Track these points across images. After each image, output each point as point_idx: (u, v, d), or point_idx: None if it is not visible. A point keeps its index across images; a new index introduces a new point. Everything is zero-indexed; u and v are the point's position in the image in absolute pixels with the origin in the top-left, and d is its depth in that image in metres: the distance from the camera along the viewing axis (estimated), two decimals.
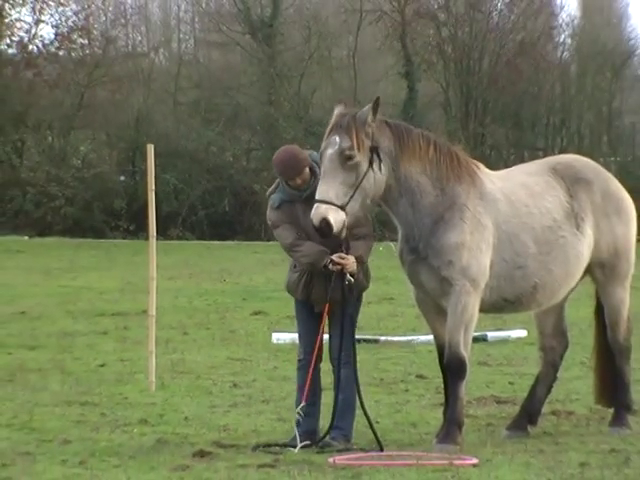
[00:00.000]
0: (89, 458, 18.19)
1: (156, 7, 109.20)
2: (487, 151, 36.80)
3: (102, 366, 28.12)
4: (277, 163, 19.74)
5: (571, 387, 20.65)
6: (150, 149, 27.26)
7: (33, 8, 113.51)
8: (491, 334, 22.04)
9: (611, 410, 20.53)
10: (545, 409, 20.18)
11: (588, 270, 20.20)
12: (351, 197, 18.04)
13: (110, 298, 40.61)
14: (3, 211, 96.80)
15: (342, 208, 17.98)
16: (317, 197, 18.18)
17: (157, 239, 26.07)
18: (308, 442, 18.73)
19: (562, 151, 32.46)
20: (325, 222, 17.89)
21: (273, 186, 19.68)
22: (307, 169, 19.13)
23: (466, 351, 18.98)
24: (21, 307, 38.82)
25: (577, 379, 20.77)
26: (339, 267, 18.66)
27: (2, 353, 30.75)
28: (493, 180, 19.70)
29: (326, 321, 19.29)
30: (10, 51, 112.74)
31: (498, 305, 19.82)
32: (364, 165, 18.22)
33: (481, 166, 19.81)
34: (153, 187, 26.32)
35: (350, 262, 18.82)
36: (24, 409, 22.84)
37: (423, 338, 20.44)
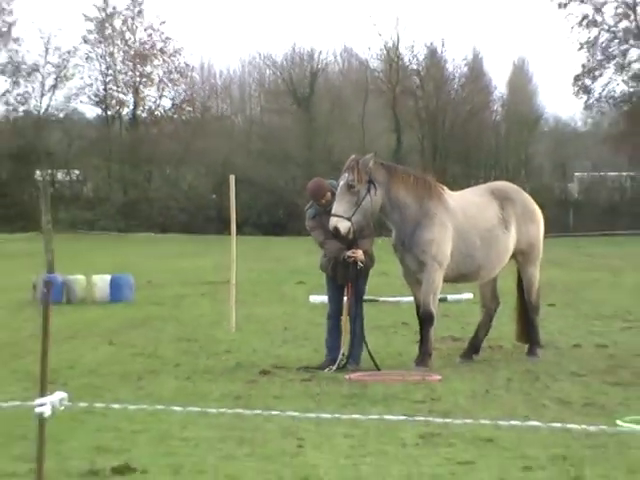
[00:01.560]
0: (192, 375, 18.88)
1: (236, 87, 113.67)
2: (448, 179, 36.48)
3: (201, 316, 28.48)
4: (309, 189, 20.70)
5: (501, 330, 20.91)
6: (232, 179, 27.93)
7: (158, 87, 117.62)
8: (450, 296, 22.34)
9: (527, 345, 21.01)
10: (484, 344, 20.55)
11: (513, 256, 20.76)
12: (354, 212, 18.95)
13: (206, 273, 40.86)
14: (137, 217, 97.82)
15: (348, 219, 19.00)
16: (332, 212, 19.37)
17: (236, 235, 26.44)
18: (333, 366, 19.40)
19: (496, 179, 32.23)
20: (335, 228, 19.03)
21: (308, 204, 20.52)
22: (329, 193, 19.88)
23: (434, 308, 19.78)
24: (148, 278, 39.31)
25: (504, 325, 21.01)
26: (352, 258, 19.46)
27: (137, 308, 30.96)
28: (453, 198, 20.42)
29: (345, 291, 19.99)
30: (143, 115, 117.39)
31: (455, 278, 20.67)
32: (363, 192, 19.10)
33: (445, 189, 20.58)
34: (234, 203, 26.89)
35: (359, 254, 19.66)
36: (151, 343, 23.23)
37: (406, 299, 20.85)
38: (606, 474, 11.84)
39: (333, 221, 19.20)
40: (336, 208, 19.22)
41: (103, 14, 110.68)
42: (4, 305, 28.90)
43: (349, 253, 19.64)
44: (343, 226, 19.06)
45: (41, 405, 4.53)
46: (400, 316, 22.03)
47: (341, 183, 19.37)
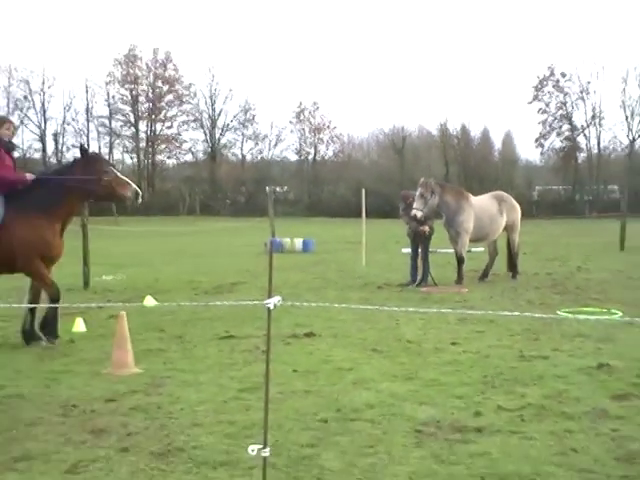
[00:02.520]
0: (344, 288, 18.75)
1: (365, 145, 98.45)
2: (471, 190, 35.41)
3: (348, 259, 27.12)
4: (401, 195, 20.36)
5: (498, 266, 20.61)
6: (363, 191, 27.69)
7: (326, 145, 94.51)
8: (473, 249, 21.94)
9: (511, 273, 20.53)
10: (490, 273, 20.22)
11: (505, 229, 20.37)
12: (424, 207, 18.75)
13: (350, 237, 37.18)
14: (318, 209, 78.28)
15: (421, 211, 18.75)
16: (413, 207, 18.91)
17: (365, 218, 26.35)
18: (413, 284, 19.12)
19: (496, 190, 31.59)
20: (414, 215, 18.80)
21: (401, 203, 20.01)
22: (411, 198, 19.24)
23: (464, 255, 19.50)
24: (322, 240, 37.57)
25: (500, 264, 20.73)
26: (422, 230, 19.14)
27: (316, 255, 29.70)
28: (474, 199, 20.01)
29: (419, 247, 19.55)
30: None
31: (474, 240, 20.10)
32: (428, 197, 18.86)
33: (470, 195, 20.20)
34: (364, 202, 26.84)
35: (426, 228, 19.14)
36: (322, 272, 22.83)
37: (450, 250, 20.53)
38: (552, 337, 11.87)
39: (413, 211, 19.02)
40: (415, 205, 19.04)
41: None
42: (250, 254, 28.93)
43: (421, 228, 19.41)
44: (418, 214, 18.97)
45: (268, 303, 4.57)
46: (449, 261, 21.66)
47: (417, 192, 19.20)
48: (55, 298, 11.67)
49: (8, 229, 11.43)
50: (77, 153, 13.06)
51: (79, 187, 11.85)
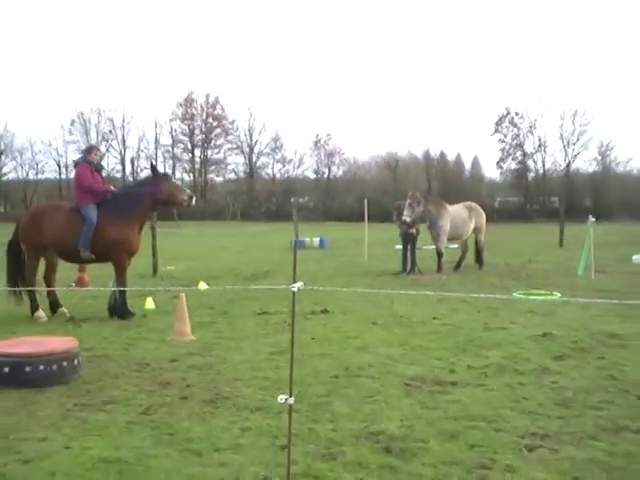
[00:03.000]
0: (351, 276, 18.57)
1: (368, 169, 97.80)
2: (448, 201, 34.70)
3: (354, 252, 26.80)
4: (395, 205, 19.97)
5: (468, 259, 20.48)
6: (365, 201, 27.59)
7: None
8: (450, 246, 21.70)
9: (478, 264, 20.23)
10: (462, 265, 20.01)
11: (473, 230, 20.10)
12: (412, 213, 18.61)
13: (355, 236, 37.20)
14: (334, 215, 76.10)
15: (410, 217, 18.61)
16: (403, 214, 18.70)
17: (368, 222, 26.37)
18: (403, 273, 19.02)
19: (466, 201, 31.07)
20: (404, 220, 18.63)
21: (395, 211, 19.84)
22: (402, 207, 19.01)
23: (443, 250, 19.22)
24: (334, 239, 37.58)
25: (470, 257, 20.59)
26: (411, 232, 18.99)
27: (329, 251, 29.35)
28: (450, 207, 19.75)
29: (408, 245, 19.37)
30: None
31: (450, 238, 19.77)
32: (415, 206, 18.65)
33: (447, 204, 19.92)
34: (366, 210, 26.74)
35: (414, 231, 18.94)
36: (334, 263, 22.63)
37: (432, 247, 20.34)
38: (509, 313, 11.83)
39: (404, 217, 18.67)
40: (405, 212, 18.75)
41: None
42: (279, 249, 28.89)
43: (410, 230, 19.14)
44: (408, 220, 18.69)
45: (293, 287, 4.60)
46: (430, 255, 21.52)
47: (407, 203, 18.94)
48: (125, 285, 11.83)
49: (102, 230, 11.77)
50: (148, 172, 13.23)
51: (148, 195, 12.04)
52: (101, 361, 8.44)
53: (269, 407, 6.38)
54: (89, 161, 12.41)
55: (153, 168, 12.66)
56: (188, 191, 12.34)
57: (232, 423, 5.99)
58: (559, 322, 11.01)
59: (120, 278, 11.93)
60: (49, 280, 12.56)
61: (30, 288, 11.78)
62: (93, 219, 11.79)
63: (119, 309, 11.82)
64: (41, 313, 11.96)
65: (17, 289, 12.09)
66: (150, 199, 12.07)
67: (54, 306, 12.37)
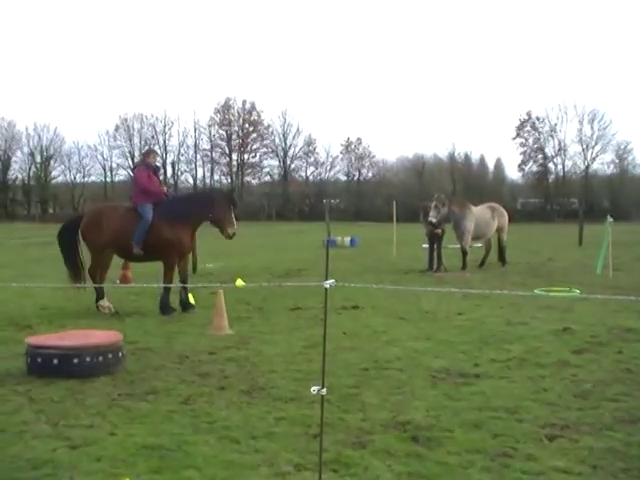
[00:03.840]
0: (381, 273, 18.58)
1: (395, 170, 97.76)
2: (472, 202, 34.14)
3: (383, 251, 26.70)
4: (421, 206, 19.89)
5: (491, 258, 20.34)
6: (394, 202, 27.46)
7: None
8: (474, 245, 21.52)
9: (501, 262, 20.28)
10: (486, 263, 19.97)
11: (496, 230, 20.09)
12: (438, 215, 18.53)
13: (384, 235, 37.18)
14: (365, 216, 76.24)
15: (436, 218, 18.52)
16: (429, 215, 18.67)
17: (396, 222, 26.22)
18: (430, 271, 18.93)
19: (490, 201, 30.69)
20: (430, 221, 18.55)
21: (421, 212, 19.87)
22: (428, 208, 18.94)
23: (468, 249, 19.24)
24: (365, 238, 36.83)
25: (493, 256, 20.46)
26: (436, 232, 18.87)
27: (360, 249, 29.32)
28: (474, 208, 19.72)
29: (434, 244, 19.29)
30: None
31: (474, 238, 19.75)
32: (440, 208, 18.58)
33: (471, 205, 19.89)
34: (394, 210, 26.54)
35: (439, 231, 18.78)
36: (364, 261, 22.66)
37: (457, 246, 20.20)
38: (530, 309, 11.77)
39: (430, 218, 18.62)
40: (431, 214, 18.68)
41: None
42: (312, 248, 28.87)
43: (435, 230, 19.00)
44: (434, 220, 18.57)
45: (326, 283, 4.60)
46: (455, 252, 21.38)
47: (432, 204, 18.87)
48: (169, 285, 11.83)
49: (157, 230, 11.88)
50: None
51: (204, 209, 12.12)
52: (144, 354, 8.49)
53: (302, 398, 6.39)
54: (147, 164, 12.56)
55: (228, 192, 12.78)
56: (235, 228, 12.24)
57: (267, 412, 6.01)
58: (578, 318, 10.92)
59: (167, 276, 11.98)
60: (101, 277, 12.59)
61: (79, 285, 11.93)
62: (149, 217, 11.92)
63: (162, 305, 11.90)
64: (106, 302, 12.13)
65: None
66: (203, 211, 12.15)
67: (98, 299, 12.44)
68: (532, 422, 5.68)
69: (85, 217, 12.75)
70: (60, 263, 13.07)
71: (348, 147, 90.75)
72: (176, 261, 12.08)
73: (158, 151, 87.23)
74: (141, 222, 11.94)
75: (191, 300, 12.68)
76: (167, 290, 11.84)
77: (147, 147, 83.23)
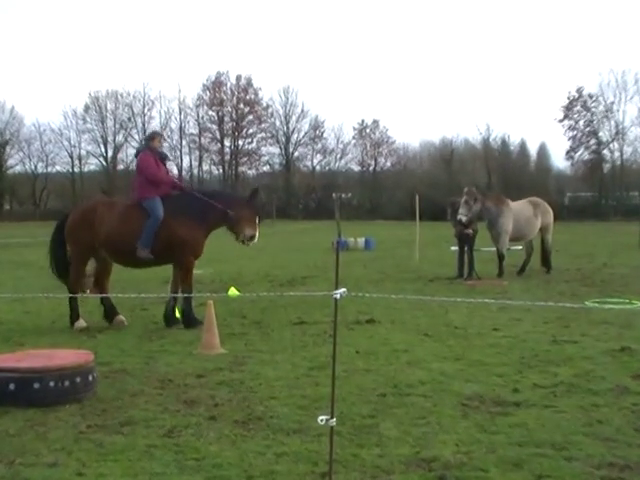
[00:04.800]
0: (400, 280, 18.62)
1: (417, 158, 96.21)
2: (510, 196, 33.68)
3: (402, 255, 26.78)
4: (450, 202, 19.97)
5: (534, 262, 20.35)
6: (417, 196, 27.55)
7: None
8: (512, 247, 21.55)
9: (545, 268, 20.22)
10: (527, 268, 20.03)
11: (539, 230, 20.12)
12: (469, 212, 18.55)
13: (405, 237, 36.90)
14: (377, 214, 78.03)
15: (466, 216, 18.55)
16: (459, 213, 18.73)
17: (419, 220, 26.31)
18: (460, 278, 18.95)
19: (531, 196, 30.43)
20: (460, 220, 18.57)
21: (450, 208, 19.96)
22: (458, 204, 19.03)
23: (504, 252, 19.31)
24: (379, 239, 37.13)
25: (535, 260, 20.47)
26: (467, 232, 18.89)
27: (375, 252, 29.57)
28: (513, 204, 19.80)
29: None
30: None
31: (513, 239, 19.79)
32: (472, 204, 18.60)
33: (508, 200, 19.98)
34: (417, 208, 26.68)
35: (470, 231, 18.81)
36: (381, 266, 22.66)
37: (492, 249, 20.22)
38: (580, 324, 11.74)
39: (459, 216, 18.70)
40: (460, 211, 18.77)
41: None
42: (319, 251, 28.94)
43: (465, 231, 19.08)
44: (464, 219, 18.68)
45: (335, 293, 4.59)
46: (491, 258, 21.42)
47: (462, 200, 18.93)
48: (190, 292, 11.76)
49: (167, 227, 11.79)
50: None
51: (226, 209, 12.07)
52: (119, 377, 8.49)
53: (307, 429, 6.37)
54: (152, 149, 12.43)
55: (254, 190, 12.86)
56: (256, 235, 12.21)
57: (266, 447, 5.99)
58: (639, 335, 10.87)
59: (186, 282, 11.94)
60: (102, 286, 12.64)
61: (79, 295, 11.92)
62: (159, 214, 11.80)
63: (186, 317, 11.90)
64: (82, 323, 12.07)
65: (81, 294, 12.21)
66: (223, 211, 12.11)
67: (110, 314, 12.42)
68: (584, 461, 5.62)
69: (72, 214, 12.66)
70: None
71: (362, 131, 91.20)
72: (193, 262, 12.06)
73: (135, 135, 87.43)
74: (148, 221, 11.79)
75: (177, 313, 12.68)
76: (188, 299, 11.80)
77: (151, 130, 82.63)
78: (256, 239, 12.19)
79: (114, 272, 13.17)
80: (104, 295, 12.37)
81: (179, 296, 12.04)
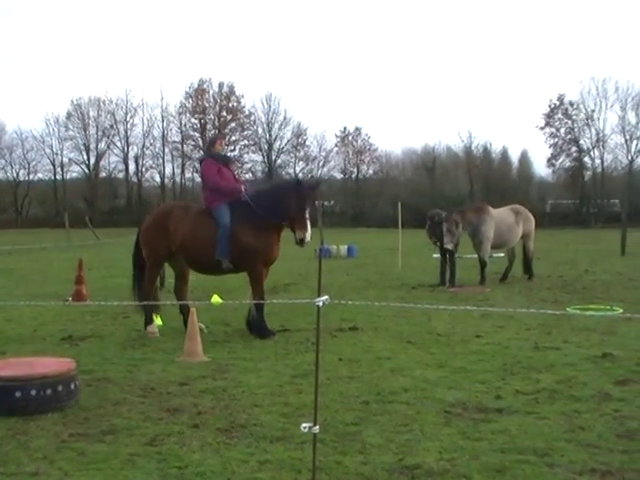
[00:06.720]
0: (384, 288, 18.56)
1: (400, 165, 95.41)
2: (492, 204, 33.97)
3: (385, 263, 26.87)
4: (428, 215, 19.79)
5: (516, 269, 20.39)
6: (399, 204, 27.53)
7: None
8: (495, 255, 21.61)
9: (527, 275, 20.21)
10: (509, 276, 20.12)
11: (521, 237, 20.10)
12: (453, 238, 18.77)
13: (388, 245, 36.62)
14: (367, 221, 78.37)
15: (452, 242, 18.86)
16: (445, 241, 19.00)
17: (401, 228, 26.31)
18: (443, 286, 18.93)
19: (513, 204, 30.80)
20: (448, 248, 19.05)
21: (428, 221, 19.85)
22: (436, 217, 19.08)
23: (487, 259, 19.29)
24: (364, 246, 36.73)
25: (517, 267, 20.54)
26: (448, 246, 18.84)
27: (358, 260, 29.55)
28: (494, 211, 19.79)
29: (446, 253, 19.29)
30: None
31: (495, 247, 19.78)
32: (454, 229, 18.73)
33: (490, 207, 19.98)
34: (400, 214, 26.67)
35: (453, 245, 18.71)
36: (364, 274, 22.66)
37: (474, 256, 20.24)
38: (562, 331, 11.78)
39: (446, 245, 18.75)
40: (445, 240, 18.68)
41: None
42: (302, 259, 28.89)
43: (446, 246, 18.98)
44: (450, 247, 18.76)
45: (318, 301, 4.58)
46: (473, 265, 21.47)
47: (444, 229, 18.68)
48: (262, 299, 11.52)
49: (235, 236, 11.54)
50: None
51: (290, 207, 11.67)
52: (101, 385, 8.45)
53: (291, 437, 6.36)
54: (214, 154, 12.14)
55: (298, 182, 12.16)
56: (308, 236, 11.71)
57: (249, 455, 5.97)
58: (621, 341, 10.91)
59: (257, 290, 11.70)
60: (181, 293, 12.50)
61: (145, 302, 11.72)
62: (227, 222, 11.57)
63: (257, 327, 11.73)
64: (154, 328, 11.97)
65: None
66: (288, 212, 11.71)
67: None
68: (567, 467, 5.63)
69: (147, 218, 12.49)
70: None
71: (345, 139, 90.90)
72: (263, 271, 11.82)
73: (118, 143, 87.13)
74: (218, 230, 11.54)
75: (158, 321, 12.62)
76: (260, 308, 11.65)
77: (213, 132, 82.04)
78: (307, 241, 11.74)
79: (96, 279, 13.12)
80: (182, 302, 12.17)
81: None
